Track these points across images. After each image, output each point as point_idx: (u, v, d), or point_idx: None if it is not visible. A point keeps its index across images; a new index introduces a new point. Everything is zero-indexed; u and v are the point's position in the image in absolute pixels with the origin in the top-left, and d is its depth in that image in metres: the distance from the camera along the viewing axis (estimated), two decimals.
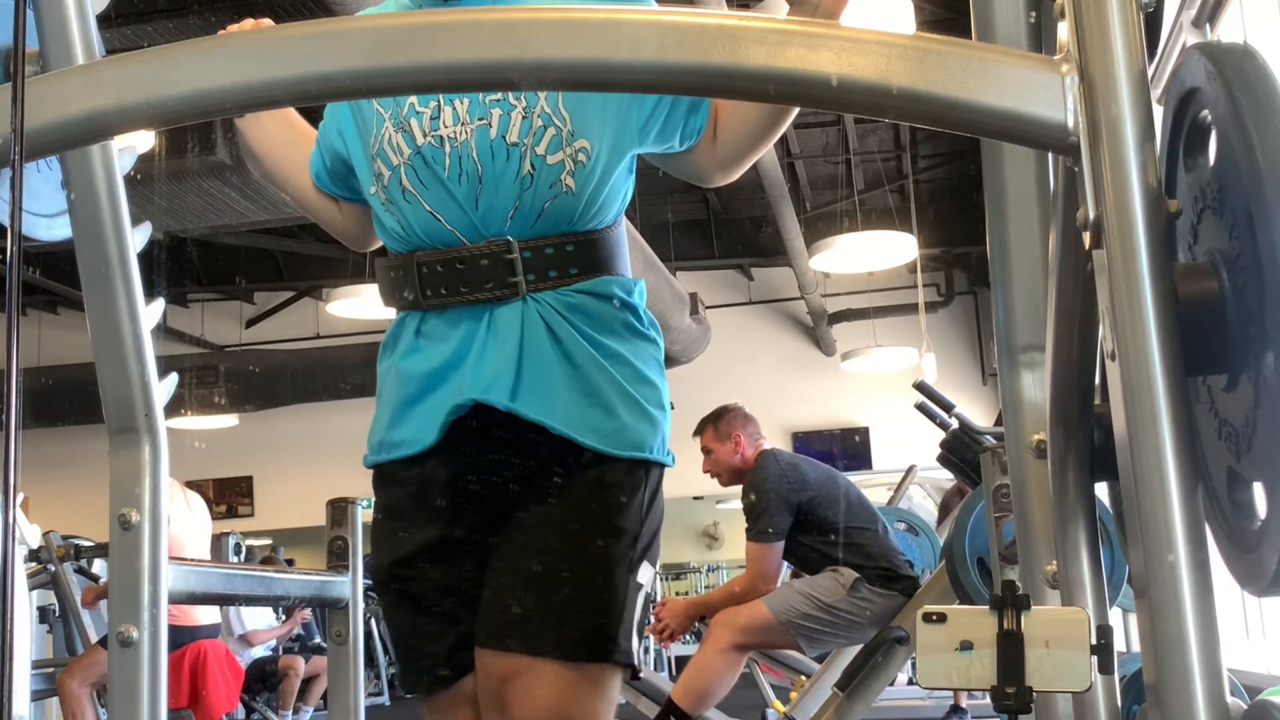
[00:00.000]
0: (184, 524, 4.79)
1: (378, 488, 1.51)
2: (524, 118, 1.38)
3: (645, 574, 1.43)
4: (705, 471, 4.12)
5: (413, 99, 1.42)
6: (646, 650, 8.70)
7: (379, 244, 1.58)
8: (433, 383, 1.41)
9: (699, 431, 4.11)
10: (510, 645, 1.35)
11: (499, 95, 1.38)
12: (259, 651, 5.63)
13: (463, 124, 1.39)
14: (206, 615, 4.77)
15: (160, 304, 1.68)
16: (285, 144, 1.61)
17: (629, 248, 1.54)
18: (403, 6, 1.56)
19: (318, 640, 7.34)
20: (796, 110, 1.53)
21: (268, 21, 1.49)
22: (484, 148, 1.39)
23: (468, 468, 1.41)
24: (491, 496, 1.41)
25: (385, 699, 8.81)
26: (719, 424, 4.06)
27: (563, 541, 1.37)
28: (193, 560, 4.12)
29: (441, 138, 1.40)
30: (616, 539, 1.38)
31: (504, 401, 1.35)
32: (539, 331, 1.38)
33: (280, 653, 6.68)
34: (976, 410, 7.95)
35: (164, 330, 10.77)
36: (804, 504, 3.87)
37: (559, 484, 1.39)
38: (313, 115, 1.58)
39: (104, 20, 1.67)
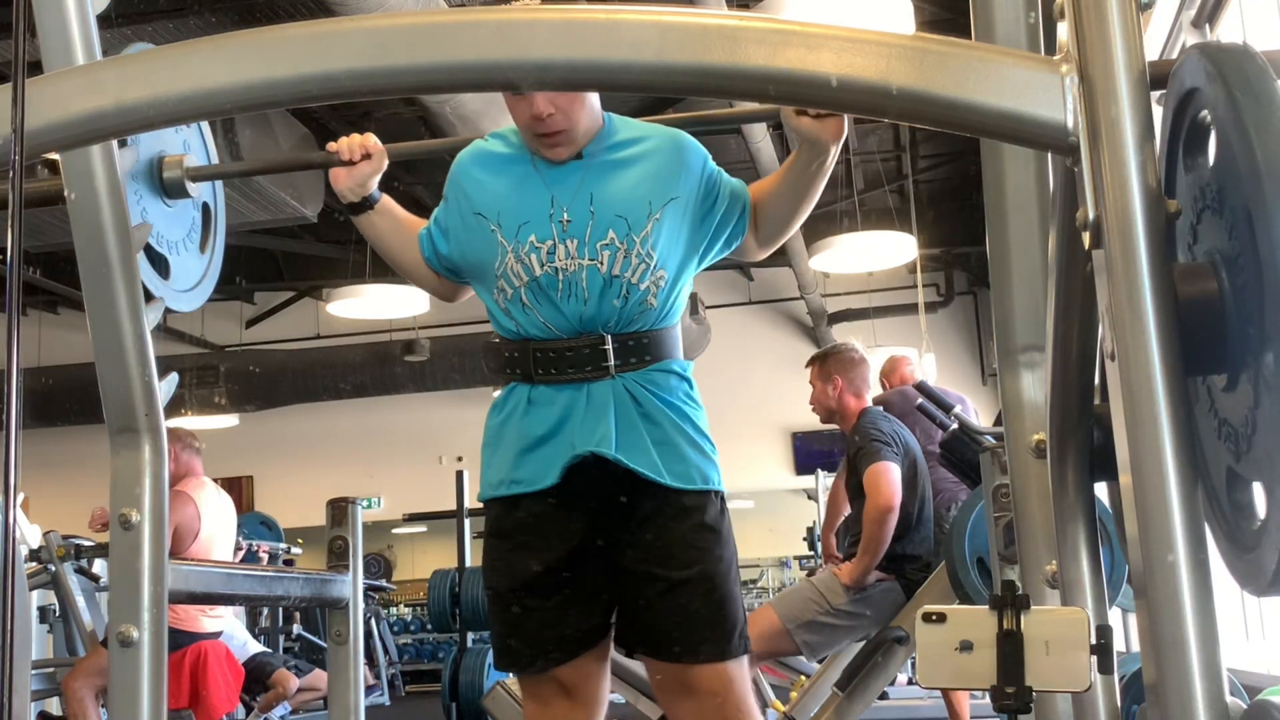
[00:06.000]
0: (218, 524, 4.76)
1: (497, 516, 1.91)
2: (624, 257, 1.83)
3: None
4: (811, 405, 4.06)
5: (532, 237, 1.83)
6: None
7: (465, 297, 2.06)
8: (545, 439, 1.85)
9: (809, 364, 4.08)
10: (681, 658, 1.85)
11: (606, 240, 1.83)
12: (256, 647, 5.60)
13: (573, 258, 1.83)
14: (213, 623, 4.75)
15: (160, 304, 1.68)
16: (392, 234, 2.01)
17: None
18: None
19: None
20: (823, 186, 1.84)
21: (374, 139, 1.89)
22: (594, 280, 1.83)
23: (578, 501, 1.84)
24: (596, 523, 1.85)
25: (385, 699, 8.81)
26: (824, 363, 4.01)
27: (687, 571, 1.83)
28: (193, 560, 4.12)
29: (556, 269, 1.84)
30: (724, 562, 1.86)
31: (611, 452, 1.80)
32: (625, 400, 1.84)
33: (282, 656, 6.67)
34: (976, 410, 7.93)
35: (164, 330, 10.77)
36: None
37: (651, 516, 1.83)
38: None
39: (104, 20, 1.67)
